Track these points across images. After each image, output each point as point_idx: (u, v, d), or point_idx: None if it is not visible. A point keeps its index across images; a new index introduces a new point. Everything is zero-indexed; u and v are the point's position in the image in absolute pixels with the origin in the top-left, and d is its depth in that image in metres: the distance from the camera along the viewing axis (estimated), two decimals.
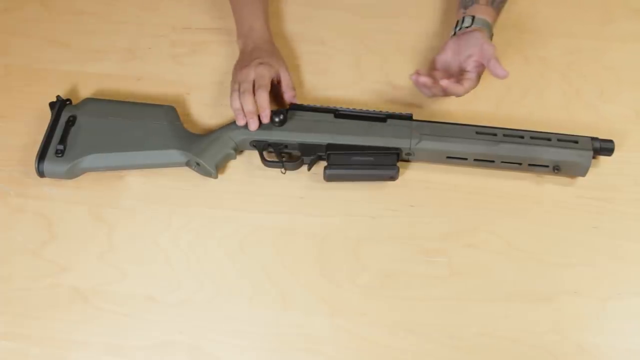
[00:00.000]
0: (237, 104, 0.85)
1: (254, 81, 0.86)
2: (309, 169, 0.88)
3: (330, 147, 0.86)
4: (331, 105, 0.89)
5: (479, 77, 0.86)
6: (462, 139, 0.85)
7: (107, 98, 0.93)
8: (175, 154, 0.86)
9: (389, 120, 0.87)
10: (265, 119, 0.85)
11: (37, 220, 0.86)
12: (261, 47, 0.92)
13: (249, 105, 0.84)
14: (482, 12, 0.89)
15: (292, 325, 0.79)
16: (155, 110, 0.90)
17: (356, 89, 0.96)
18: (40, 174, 0.85)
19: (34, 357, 0.78)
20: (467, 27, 0.89)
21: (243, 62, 0.89)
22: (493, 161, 0.85)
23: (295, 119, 0.87)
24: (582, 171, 0.85)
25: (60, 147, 0.86)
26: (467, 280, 0.81)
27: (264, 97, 0.84)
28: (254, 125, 0.85)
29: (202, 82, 0.97)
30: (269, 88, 0.86)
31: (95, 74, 0.98)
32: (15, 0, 1.05)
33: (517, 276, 0.81)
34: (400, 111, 0.88)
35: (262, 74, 0.86)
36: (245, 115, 0.85)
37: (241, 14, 0.95)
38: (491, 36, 0.89)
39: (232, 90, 0.87)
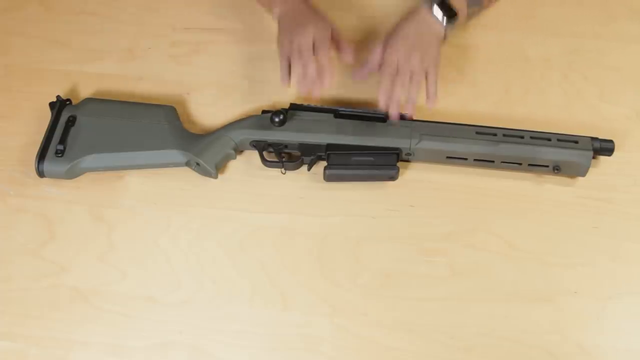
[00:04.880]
0: (299, 70, 0.82)
1: (313, 45, 0.83)
2: (309, 169, 0.88)
3: (330, 147, 0.86)
4: (331, 105, 0.89)
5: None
6: (462, 139, 0.85)
7: (107, 98, 0.93)
8: (175, 154, 0.86)
9: (389, 120, 0.87)
10: (327, 83, 0.82)
11: (37, 220, 0.86)
12: (304, 11, 0.87)
13: (313, 74, 0.82)
14: None
15: (292, 325, 0.79)
16: (155, 110, 0.90)
17: (356, 89, 0.96)
18: (40, 174, 0.85)
19: (34, 357, 0.78)
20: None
21: (293, 28, 0.85)
22: (493, 161, 0.85)
23: (295, 119, 0.87)
24: (582, 171, 0.85)
25: (60, 147, 0.86)
26: (467, 280, 0.81)
27: (325, 59, 0.82)
28: (317, 92, 0.82)
29: (202, 82, 0.97)
30: (329, 49, 0.83)
31: (95, 74, 0.98)
32: (15, 0, 1.05)
33: (517, 276, 0.81)
34: (400, 111, 0.88)
35: (321, 37, 0.83)
36: (307, 83, 0.82)
37: None
38: (436, 1, 0.86)
39: (293, 58, 0.83)
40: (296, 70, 0.83)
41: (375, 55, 0.87)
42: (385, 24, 1.01)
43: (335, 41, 0.87)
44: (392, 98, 0.84)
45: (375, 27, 1.01)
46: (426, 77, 0.85)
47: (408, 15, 0.88)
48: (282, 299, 0.80)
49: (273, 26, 1.00)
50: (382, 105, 0.84)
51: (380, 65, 0.86)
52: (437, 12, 0.86)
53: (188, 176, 0.88)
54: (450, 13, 0.87)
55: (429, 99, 0.85)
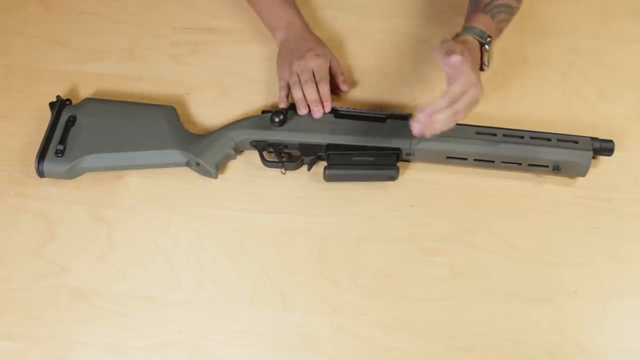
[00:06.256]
0: (300, 94, 0.87)
1: (312, 71, 0.87)
2: (309, 169, 0.88)
3: (330, 147, 0.86)
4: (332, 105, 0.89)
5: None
6: (462, 139, 0.85)
7: (107, 98, 0.93)
8: (175, 154, 0.86)
9: (388, 120, 0.87)
10: (327, 109, 0.87)
11: (37, 220, 0.86)
12: (307, 37, 0.93)
13: (313, 95, 0.86)
14: (472, 20, 0.85)
15: (292, 325, 0.79)
16: (155, 110, 0.90)
17: (356, 89, 0.96)
18: (40, 174, 0.85)
19: (34, 357, 0.78)
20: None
21: (294, 53, 0.90)
22: (493, 161, 0.85)
23: (295, 119, 0.87)
24: (582, 171, 0.85)
25: (60, 147, 0.85)
26: (467, 280, 0.81)
27: (326, 89, 0.87)
28: (319, 113, 0.86)
29: (202, 82, 0.97)
30: (329, 79, 0.88)
31: (95, 74, 0.98)
32: (15, 0, 1.05)
33: (517, 276, 0.81)
34: (400, 111, 0.88)
35: (321, 66, 0.88)
36: (307, 105, 0.87)
37: (274, 11, 0.95)
38: (482, 36, 0.83)
39: (292, 82, 0.88)
40: (296, 94, 0.87)
41: (454, 60, 0.76)
42: (383, 25, 1.02)
43: (333, 70, 0.92)
44: (432, 124, 0.75)
45: (373, 28, 1.01)
46: None
47: (466, 41, 0.82)
48: (282, 299, 0.80)
49: None
50: (422, 118, 0.75)
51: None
52: (486, 53, 0.84)
53: (188, 176, 0.88)
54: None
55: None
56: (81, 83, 0.97)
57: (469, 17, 0.87)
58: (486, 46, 0.83)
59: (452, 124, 0.76)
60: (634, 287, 0.80)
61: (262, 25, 0.98)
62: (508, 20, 0.89)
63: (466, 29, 0.84)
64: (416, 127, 0.75)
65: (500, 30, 0.88)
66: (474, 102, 0.77)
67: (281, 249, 0.84)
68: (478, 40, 0.83)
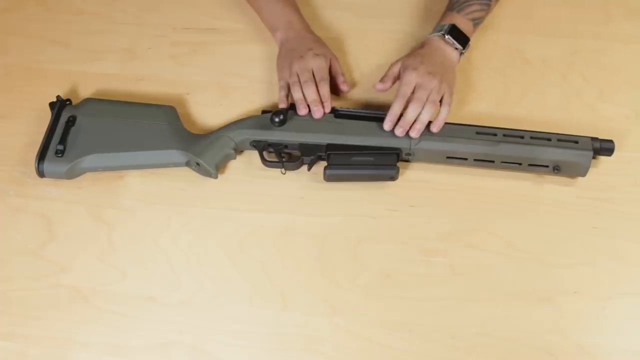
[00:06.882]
0: (299, 95, 0.87)
1: (312, 71, 0.87)
2: (309, 169, 0.88)
3: (330, 147, 0.86)
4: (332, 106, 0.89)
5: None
6: (462, 139, 0.85)
7: (107, 98, 0.93)
8: (175, 154, 0.86)
9: None
10: (327, 109, 0.87)
11: (37, 220, 0.86)
12: (306, 37, 0.93)
13: (313, 95, 0.86)
14: (445, 18, 0.91)
15: (292, 325, 0.79)
16: (155, 110, 0.90)
17: (356, 89, 0.96)
18: (40, 174, 0.85)
19: (34, 357, 0.78)
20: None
21: (294, 53, 0.89)
22: (493, 161, 0.85)
23: (295, 119, 0.87)
24: (582, 171, 0.85)
25: (60, 147, 0.86)
26: (467, 280, 0.81)
27: (326, 89, 0.87)
28: (319, 113, 0.86)
29: (202, 82, 0.97)
30: (329, 79, 0.88)
31: (95, 74, 0.98)
32: (15, 0, 1.05)
33: (517, 276, 0.81)
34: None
35: (321, 66, 0.88)
36: (307, 105, 0.87)
37: (273, 10, 0.95)
38: (441, 29, 0.89)
39: (292, 83, 0.88)
40: (296, 95, 0.87)
41: (394, 69, 0.88)
42: (383, 25, 1.02)
43: (334, 70, 0.92)
44: (404, 120, 0.83)
45: (373, 27, 1.01)
46: (440, 101, 0.85)
47: (423, 45, 0.90)
48: (282, 299, 0.80)
49: None
50: (387, 126, 0.84)
51: (398, 79, 0.87)
52: (450, 39, 0.88)
53: (188, 176, 0.88)
54: (463, 39, 0.88)
55: (434, 125, 0.84)
56: (81, 83, 0.97)
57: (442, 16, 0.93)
58: (446, 36, 0.88)
59: (431, 113, 0.83)
60: (634, 287, 0.80)
61: (262, 25, 0.98)
62: (484, 9, 0.92)
63: (438, 27, 0.90)
64: (398, 132, 0.84)
65: (474, 19, 0.91)
66: (434, 86, 0.83)
67: (281, 249, 0.84)
68: (437, 35, 0.89)
